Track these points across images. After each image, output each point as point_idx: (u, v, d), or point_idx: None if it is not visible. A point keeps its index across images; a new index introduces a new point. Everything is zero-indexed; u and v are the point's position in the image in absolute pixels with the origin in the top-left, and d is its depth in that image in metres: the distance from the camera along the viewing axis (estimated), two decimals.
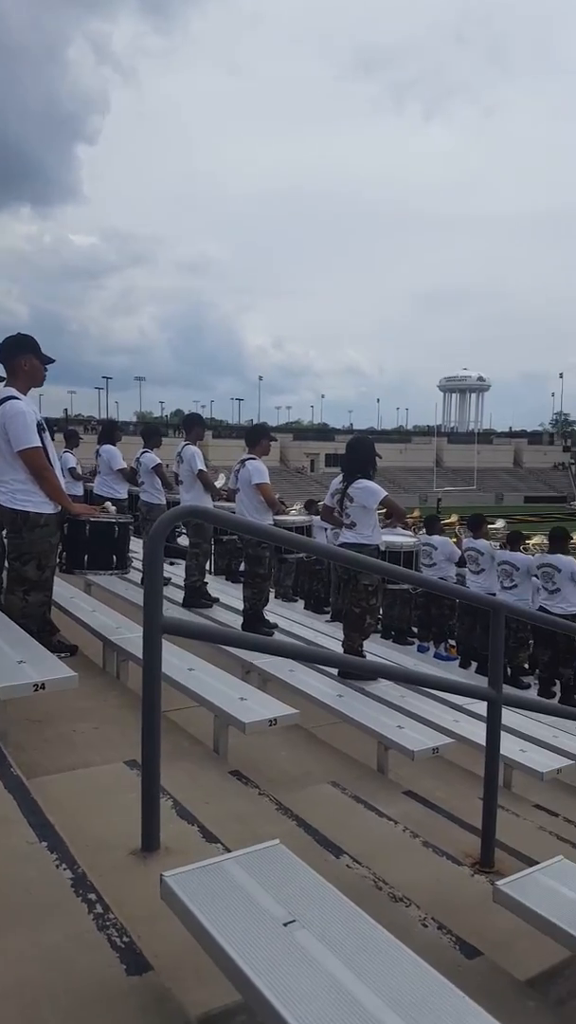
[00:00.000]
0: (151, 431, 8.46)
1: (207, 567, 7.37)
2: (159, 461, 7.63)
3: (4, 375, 4.00)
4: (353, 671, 4.55)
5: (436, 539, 8.65)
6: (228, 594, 7.19)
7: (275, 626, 6.12)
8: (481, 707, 4.03)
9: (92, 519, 4.57)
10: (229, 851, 2.10)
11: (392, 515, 5.70)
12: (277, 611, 7.07)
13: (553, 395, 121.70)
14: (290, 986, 1.36)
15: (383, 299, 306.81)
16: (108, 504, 5.94)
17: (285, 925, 1.53)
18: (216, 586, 7.42)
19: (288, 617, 7.06)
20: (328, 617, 8.54)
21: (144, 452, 7.64)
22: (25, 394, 3.90)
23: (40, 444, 3.79)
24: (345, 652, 5.01)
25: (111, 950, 1.65)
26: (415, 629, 8.86)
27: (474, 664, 7.92)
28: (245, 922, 1.52)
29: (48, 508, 3.84)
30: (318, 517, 8.92)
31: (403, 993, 1.36)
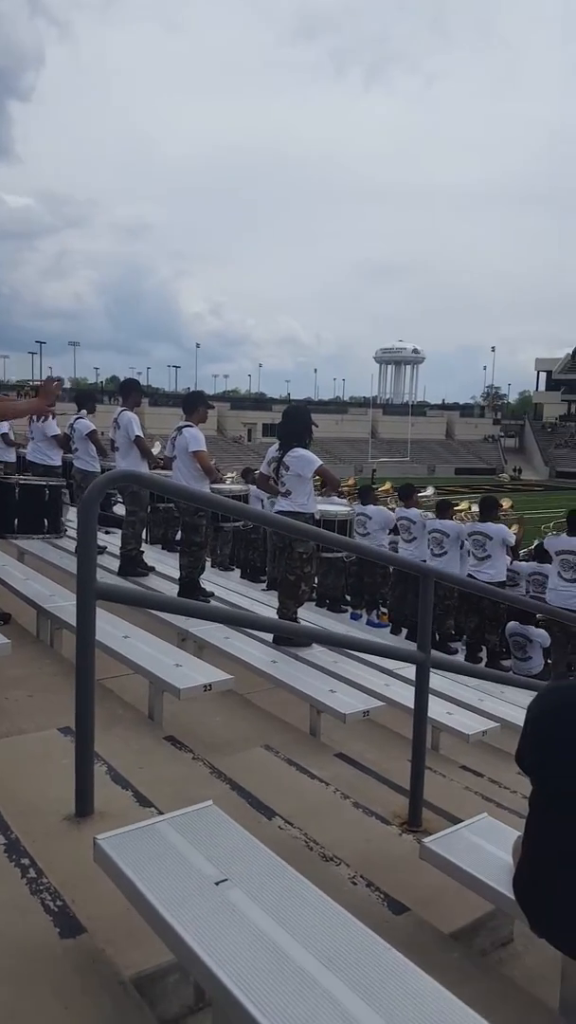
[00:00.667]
0: (85, 396, 8.28)
1: (143, 536, 7.29)
2: (93, 427, 7.47)
3: None
4: (288, 636, 4.61)
5: (370, 508, 8.77)
6: (164, 563, 7.15)
7: (211, 594, 6.12)
8: (411, 671, 4.16)
9: (22, 480, 4.44)
10: (163, 814, 2.12)
11: (327, 484, 5.75)
12: (214, 580, 7.07)
13: (485, 368, 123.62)
14: (221, 943, 1.39)
15: (322, 269, 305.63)
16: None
17: (217, 884, 1.56)
18: (152, 555, 7.35)
19: (224, 586, 7.06)
20: (264, 586, 8.59)
21: (78, 418, 7.46)
22: None
23: None
24: (280, 619, 5.05)
25: (45, 914, 1.66)
26: (348, 597, 9.02)
27: (404, 631, 8.12)
28: (177, 882, 1.54)
29: None
30: (255, 486, 8.92)
31: (331, 947, 1.41)
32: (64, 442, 7.55)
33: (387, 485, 15.93)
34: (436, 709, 3.78)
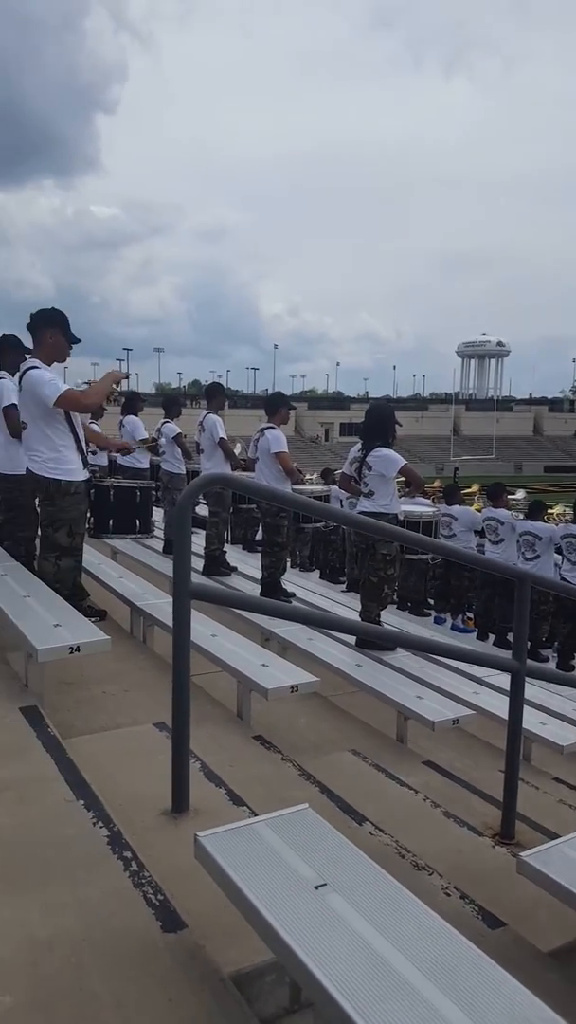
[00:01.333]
0: (172, 402, 8.48)
1: (225, 536, 7.41)
2: (179, 431, 7.66)
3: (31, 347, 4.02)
4: (373, 640, 4.59)
5: (456, 509, 8.62)
6: (246, 563, 7.24)
7: (293, 595, 6.17)
8: (500, 679, 4.07)
9: (115, 484, 4.63)
10: (255, 814, 2.15)
11: (411, 484, 5.69)
12: (293, 580, 7.11)
13: (574, 361, 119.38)
14: (322, 947, 1.40)
15: (400, 263, 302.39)
16: (150, 437, 6.05)
17: (316, 888, 1.57)
18: (233, 555, 7.46)
19: (304, 587, 7.10)
20: (344, 587, 8.58)
21: (165, 422, 7.67)
22: (48, 367, 3.90)
23: (68, 386, 3.84)
24: (362, 622, 5.04)
25: (147, 907, 1.70)
26: (431, 600, 8.89)
27: (492, 636, 7.94)
28: (277, 883, 1.56)
29: (78, 476, 3.89)
30: (335, 486, 8.91)
31: (434, 959, 1.39)
32: (152, 446, 7.77)
33: (474, 487, 15.55)
34: (528, 719, 3.67)
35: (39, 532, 4.05)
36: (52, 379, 3.79)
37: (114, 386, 4.14)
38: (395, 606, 8.15)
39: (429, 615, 8.63)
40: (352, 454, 5.44)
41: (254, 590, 5.96)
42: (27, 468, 3.92)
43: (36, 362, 3.85)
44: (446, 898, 2.16)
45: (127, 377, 5.05)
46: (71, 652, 2.81)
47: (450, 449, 55.99)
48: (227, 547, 7.39)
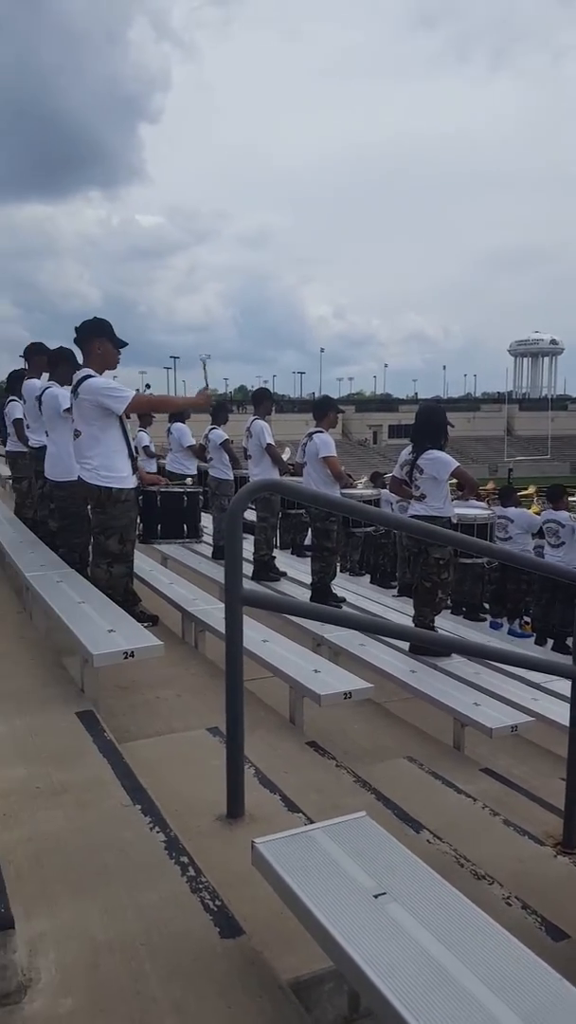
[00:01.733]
0: (219, 408, 8.53)
1: (274, 541, 7.42)
2: (227, 437, 7.71)
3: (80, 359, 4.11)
4: (427, 645, 4.52)
5: (512, 511, 8.45)
6: (295, 568, 7.24)
7: (343, 600, 6.13)
8: (559, 685, 3.96)
9: (163, 489, 4.68)
10: (311, 821, 2.14)
11: (464, 487, 5.60)
12: (344, 585, 7.07)
13: None
14: (382, 957, 1.37)
15: (448, 262, 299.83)
16: (188, 481, 6.09)
17: (375, 897, 1.55)
18: (282, 560, 7.46)
19: (355, 591, 7.05)
20: (395, 592, 8.49)
21: (212, 428, 7.72)
22: (100, 375, 3.97)
23: (134, 391, 3.92)
24: (416, 627, 4.97)
25: (204, 912, 1.70)
26: (487, 605, 8.73)
27: (550, 642, 7.76)
28: (335, 891, 1.54)
29: (128, 483, 3.94)
30: (385, 490, 8.84)
31: (497, 972, 1.36)
32: (199, 452, 7.84)
33: (531, 489, 15.19)
34: None
35: (91, 539, 4.12)
36: (116, 384, 3.86)
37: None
38: (449, 611, 8.03)
39: (484, 620, 8.47)
40: (403, 457, 5.38)
41: (304, 595, 5.94)
42: (79, 476, 3.99)
43: (90, 371, 3.92)
44: (507, 908, 2.11)
45: (210, 398, 5.12)
46: (125, 657, 2.84)
47: (503, 450, 54.96)
48: (276, 552, 7.40)
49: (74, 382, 3.98)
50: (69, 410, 4.24)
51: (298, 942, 1.65)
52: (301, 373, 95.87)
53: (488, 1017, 1.25)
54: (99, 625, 3.12)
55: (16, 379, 6.31)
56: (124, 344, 4.08)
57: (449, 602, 8.07)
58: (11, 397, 6.78)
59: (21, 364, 6.14)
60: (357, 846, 1.70)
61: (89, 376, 3.89)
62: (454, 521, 5.65)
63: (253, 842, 1.67)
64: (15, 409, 6.31)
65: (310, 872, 1.59)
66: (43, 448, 4.98)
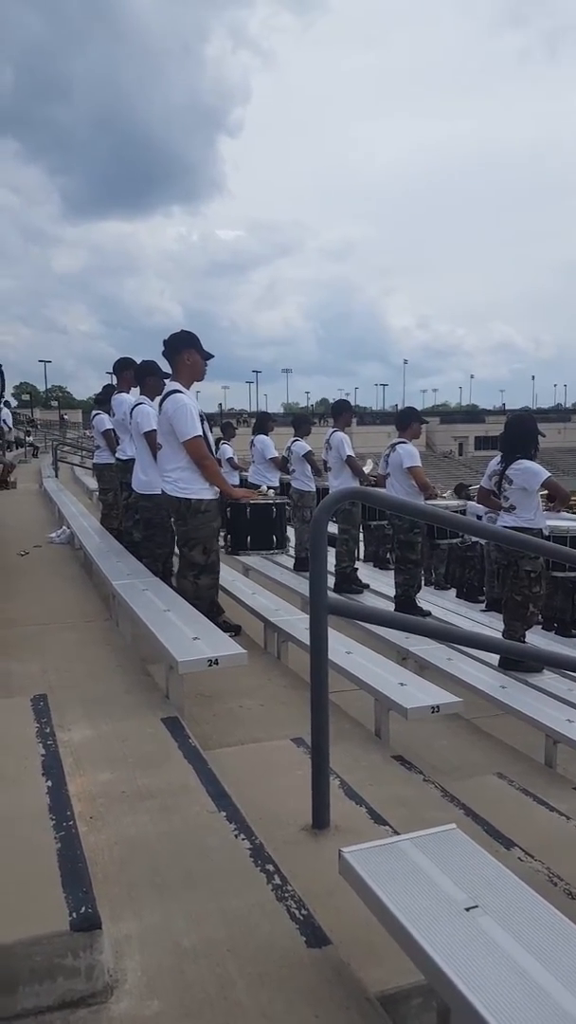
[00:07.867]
0: (301, 420, 8.60)
1: (356, 553, 7.38)
2: (309, 449, 7.74)
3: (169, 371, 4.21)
4: (518, 660, 4.38)
5: None
6: (378, 580, 7.16)
7: (428, 613, 6.02)
8: None
9: (251, 502, 4.74)
10: (397, 833, 2.09)
11: (555, 498, 5.42)
12: (429, 599, 6.95)
13: None
14: (475, 972, 1.32)
15: (538, 269, 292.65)
16: (265, 487, 6.12)
17: (467, 910, 1.49)
18: (365, 572, 7.40)
19: (441, 605, 6.92)
20: (483, 606, 8.27)
21: (295, 441, 7.78)
22: (188, 388, 4.06)
23: (201, 433, 3.94)
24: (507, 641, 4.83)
25: (290, 921, 1.68)
26: None
27: None
28: (425, 903, 1.50)
29: (208, 494, 3.99)
30: (471, 502, 8.66)
31: None
32: (282, 464, 7.90)
33: None
34: None
35: (176, 550, 4.20)
36: (194, 415, 3.91)
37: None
38: (540, 626, 7.75)
39: None
40: (491, 467, 5.26)
41: (387, 608, 5.87)
42: (161, 488, 4.08)
43: (178, 386, 4.01)
44: None
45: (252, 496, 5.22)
46: (209, 665, 2.86)
47: None
48: (358, 564, 7.35)
49: (162, 396, 4.09)
50: (155, 431, 4.35)
51: (385, 955, 1.61)
52: (384, 385, 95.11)
53: None
54: (184, 633, 3.16)
55: (108, 393, 6.57)
56: (211, 356, 4.16)
57: (540, 617, 7.81)
58: (96, 411, 7.07)
59: (109, 380, 6.40)
60: (447, 858, 1.64)
61: (175, 392, 3.97)
62: (546, 533, 5.46)
63: (341, 851, 1.64)
64: (103, 421, 6.57)
65: (399, 883, 1.55)
66: (131, 460, 5.13)
